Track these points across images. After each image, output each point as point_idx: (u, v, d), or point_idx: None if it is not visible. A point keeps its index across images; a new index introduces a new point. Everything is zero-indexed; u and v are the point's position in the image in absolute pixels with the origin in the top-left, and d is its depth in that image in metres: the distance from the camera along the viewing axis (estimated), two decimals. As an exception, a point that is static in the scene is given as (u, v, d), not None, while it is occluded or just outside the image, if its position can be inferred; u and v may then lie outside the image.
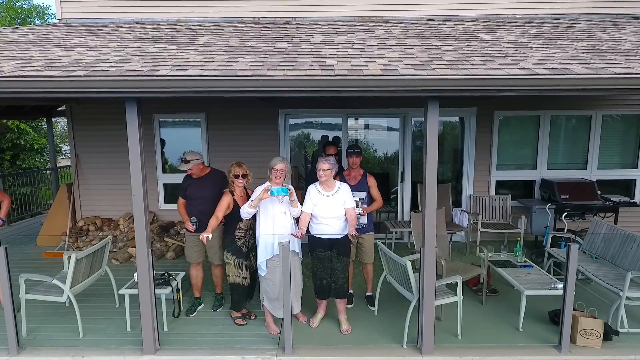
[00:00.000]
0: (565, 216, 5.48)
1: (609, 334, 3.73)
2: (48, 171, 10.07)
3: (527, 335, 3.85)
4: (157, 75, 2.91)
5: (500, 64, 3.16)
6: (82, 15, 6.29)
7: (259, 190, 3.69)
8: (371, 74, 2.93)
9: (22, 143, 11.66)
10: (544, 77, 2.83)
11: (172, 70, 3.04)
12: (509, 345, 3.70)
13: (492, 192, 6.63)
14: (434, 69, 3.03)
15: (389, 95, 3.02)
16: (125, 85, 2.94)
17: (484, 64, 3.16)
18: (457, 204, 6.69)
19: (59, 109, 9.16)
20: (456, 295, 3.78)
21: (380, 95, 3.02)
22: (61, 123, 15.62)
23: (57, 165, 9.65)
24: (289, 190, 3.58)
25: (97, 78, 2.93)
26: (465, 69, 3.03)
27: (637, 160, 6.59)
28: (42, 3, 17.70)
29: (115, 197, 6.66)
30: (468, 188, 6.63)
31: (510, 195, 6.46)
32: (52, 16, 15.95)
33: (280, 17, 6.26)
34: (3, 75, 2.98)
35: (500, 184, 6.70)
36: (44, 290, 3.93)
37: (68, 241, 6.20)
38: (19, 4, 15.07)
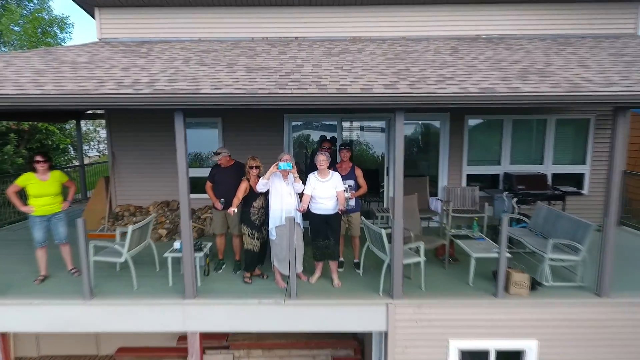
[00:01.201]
0: (517, 202, 6.67)
1: (535, 285, 4.92)
2: (75, 168, 11.25)
3: (475, 288, 5.04)
4: (201, 93, 4.10)
5: (447, 84, 4.34)
6: (118, 35, 7.48)
7: (272, 171, 4.86)
8: (353, 92, 4.11)
9: (50, 143, 12.84)
10: (473, 95, 4.02)
11: (211, 89, 4.23)
12: (459, 294, 4.89)
13: (464, 183, 7.82)
14: (398, 88, 4.22)
15: (366, 107, 4.21)
16: (178, 100, 4.13)
17: (436, 84, 4.35)
18: (434, 193, 7.87)
19: (87, 112, 10.38)
20: (421, 256, 4.97)
21: (360, 107, 4.21)
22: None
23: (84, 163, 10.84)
24: (293, 165, 4.77)
25: (158, 95, 4.12)
26: (421, 88, 4.22)
27: (585, 158, 7.78)
28: (62, 14, 18.86)
29: (145, 188, 7.85)
30: (443, 180, 7.83)
31: (478, 186, 7.64)
32: (71, 25, 17.13)
33: (285, 37, 7.45)
34: (90, 93, 4.17)
35: (470, 177, 7.89)
36: (107, 253, 5.12)
37: (107, 224, 7.39)
38: (40, 14, 16.24)
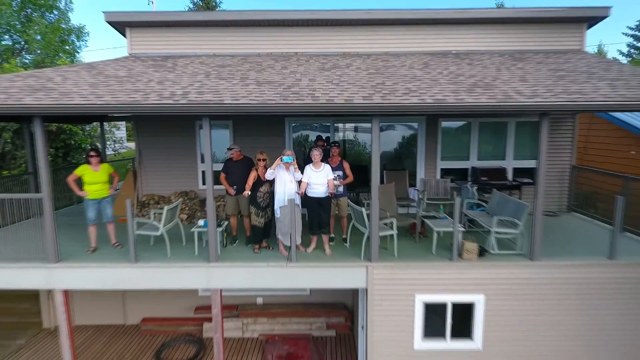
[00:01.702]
0: (479, 190, 8.01)
1: (483, 252, 6.26)
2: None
3: (437, 255, 6.37)
4: (225, 103, 5.43)
5: (411, 96, 5.67)
6: (145, 51, 8.81)
7: (277, 163, 6.18)
8: (339, 103, 5.45)
9: (72, 142, 14.12)
10: (428, 104, 5.36)
11: (231, 100, 5.55)
12: (424, 259, 6.22)
13: (438, 176, 9.16)
14: (373, 99, 5.55)
15: (349, 114, 5.54)
16: (207, 109, 5.45)
17: (402, 96, 5.68)
18: (413, 185, 9.21)
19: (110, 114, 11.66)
20: (393, 230, 6.31)
21: (345, 114, 5.54)
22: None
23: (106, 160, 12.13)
24: (293, 159, 6.10)
25: (192, 105, 5.45)
26: (390, 99, 5.55)
27: (540, 152, 9.10)
28: (79, 23, 20.15)
29: (167, 180, 9.17)
30: (421, 173, 9.16)
31: (450, 178, 8.98)
32: (87, 34, 18.41)
33: (286, 52, 8.78)
34: (140, 103, 5.49)
35: (444, 171, 9.23)
36: (147, 228, 6.45)
37: (135, 211, 8.71)
38: (59, 24, 17.53)
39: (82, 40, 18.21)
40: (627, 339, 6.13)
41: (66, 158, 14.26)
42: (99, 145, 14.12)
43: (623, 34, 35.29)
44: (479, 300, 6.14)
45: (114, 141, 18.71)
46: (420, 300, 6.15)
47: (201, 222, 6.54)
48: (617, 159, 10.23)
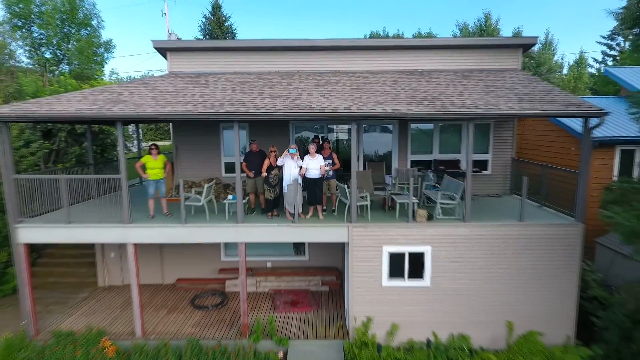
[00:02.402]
0: (437, 176, 10.52)
1: (431, 217, 8.77)
2: (134, 159, 15.03)
3: (399, 220, 8.87)
4: (250, 112, 7.94)
5: (377, 107, 8.18)
6: (182, 69, 11.32)
7: (285, 154, 8.69)
8: (327, 112, 7.95)
9: (109, 141, 16.62)
10: (388, 113, 7.87)
11: (254, 109, 8.07)
12: (389, 222, 8.73)
13: (409, 166, 11.67)
14: (351, 109, 8.06)
15: (335, 119, 8.04)
16: (238, 116, 7.97)
17: (372, 107, 8.18)
18: (389, 172, 11.71)
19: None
20: (367, 201, 8.82)
21: (332, 119, 8.05)
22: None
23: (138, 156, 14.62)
24: (296, 150, 8.61)
25: (228, 113, 7.96)
26: (363, 110, 8.05)
27: (488, 149, 11.63)
28: (109, 38, 22.63)
29: (197, 169, 11.68)
30: (394, 164, 11.67)
31: (417, 167, 11.48)
32: (114, 47, 20.91)
33: (290, 71, 11.30)
34: (192, 112, 8.00)
35: (414, 162, 11.73)
36: (192, 200, 8.97)
37: (173, 192, 11.21)
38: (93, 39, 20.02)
39: (109, 52, 20.72)
40: (530, 275, 8.63)
41: (103, 154, 16.76)
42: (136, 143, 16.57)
43: (597, 42, 37.92)
44: (427, 251, 8.64)
45: (140, 140, 21.21)
46: (387, 250, 8.65)
47: (230, 197, 9.06)
48: (563, 154, 12.61)
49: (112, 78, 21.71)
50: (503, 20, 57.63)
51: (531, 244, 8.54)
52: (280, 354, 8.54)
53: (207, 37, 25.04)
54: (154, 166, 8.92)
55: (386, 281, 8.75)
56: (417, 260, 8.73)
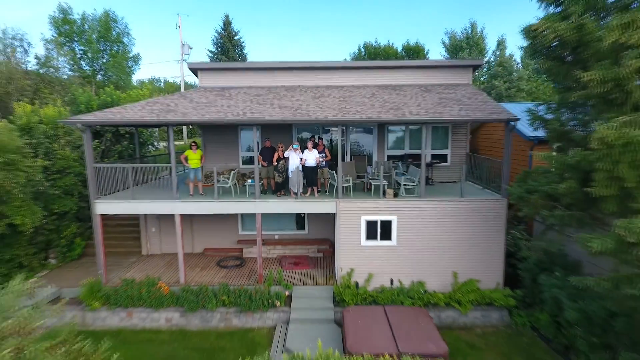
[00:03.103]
0: (406, 166, 13.63)
1: (396, 194, 11.88)
2: (163, 155, 18.16)
3: (374, 196, 11.98)
4: (265, 119, 11.06)
5: (356, 115, 11.28)
6: (209, 84, 14.44)
7: (290, 149, 11.81)
8: (320, 118, 11.06)
9: (141, 140, 19.73)
10: (363, 120, 10.99)
11: (268, 117, 11.18)
12: (366, 198, 11.84)
13: (385, 159, 14.77)
14: (337, 116, 11.16)
15: (326, 124, 11.14)
16: (257, 122, 11.08)
17: (352, 115, 11.28)
18: (370, 164, 14.80)
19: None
20: (350, 183, 11.93)
21: (324, 124, 11.15)
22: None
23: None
24: (298, 146, 11.74)
25: (250, 120, 11.07)
26: (345, 116, 11.16)
27: (447, 145, 14.74)
28: (138, 53, 25.74)
29: (220, 161, 14.79)
30: (374, 157, 14.78)
31: (392, 160, 14.57)
32: (141, 59, 24.05)
33: (293, 85, 14.41)
34: (224, 119, 11.11)
35: (390, 156, 14.83)
36: (222, 182, 12.09)
37: (202, 179, 14.33)
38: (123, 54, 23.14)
39: (137, 65, 23.87)
40: (469, 237, 11.71)
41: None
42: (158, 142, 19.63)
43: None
44: (394, 219, 11.73)
45: (164, 139, 24.36)
46: (364, 219, 11.75)
47: (249, 181, 12.17)
48: (515, 150, 15.58)
49: (143, 88, 24.89)
50: (488, 28, 61.01)
51: (469, 214, 11.63)
52: (287, 293, 11.65)
53: (220, 49, 28.16)
54: (193, 157, 12.03)
55: (364, 242, 11.85)
56: (386, 226, 11.82)
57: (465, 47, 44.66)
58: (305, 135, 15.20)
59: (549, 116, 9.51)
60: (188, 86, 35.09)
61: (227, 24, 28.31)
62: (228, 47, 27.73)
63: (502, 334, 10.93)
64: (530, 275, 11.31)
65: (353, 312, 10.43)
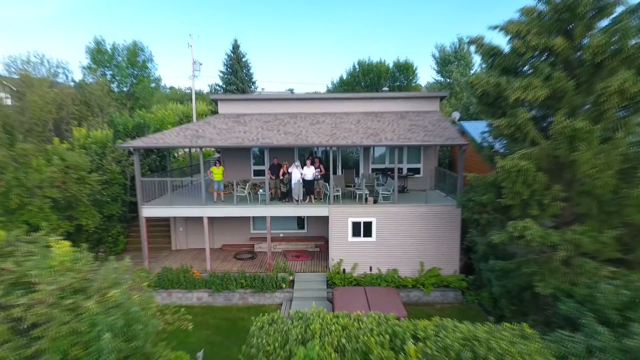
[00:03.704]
0: (386, 178, 16.73)
1: (376, 201, 14.98)
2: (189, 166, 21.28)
3: (358, 203, 15.08)
4: (274, 144, 14.17)
5: (343, 140, 14.38)
6: (227, 112, 17.57)
7: (293, 165, 14.92)
8: (316, 143, 14.17)
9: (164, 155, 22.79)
10: (348, 144, 14.10)
11: (276, 142, 14.29)
12: (353, 204, 14.94)
13: (370, 171, 17.86)
14: (329, 141, 14.27)
15: (321, 146, 14.25)
16: (267, 145, 14.20)
17: (340, 140, 14.38)
18: (357, 176, 17.89)
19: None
20: (339, 192, 15.04)
21: (319, 146, 14.26)
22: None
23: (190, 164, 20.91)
24: (299, 164, 14.87)
25: (262, 144, 14.19)
26: (336, 141, 14.27)
27: (420, 160, 17.84)
28: (159, 75, 28.82)
29: (236, 174, 17.89)
30: (362, 170, 17.88)
31: (375, 172, 17.66)
32: (161, 80, 27.14)
33: (294, 112, 17.53)
34: (242, 144, 14.24)
35: (374, 170, 17.93)
36: (239, 192, 15.20)
37: (222, 189, 17.43)
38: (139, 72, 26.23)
39: (159, 86, 26.99)
40: (433, 235, 14.79)
41: (161, 163, 22.98)
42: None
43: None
44: (374, 221, 14.81)
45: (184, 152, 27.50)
46: (350, 220, 14.84)
47: (261, 191, 15.28)
48: (480, 165, 18.68)
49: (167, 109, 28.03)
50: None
51: (432, 217, 14.72)
52: (290, 278, 14.74)
53: (229, 69, 31.31)
54: (217, 172, 15.14)
55: (350, 238, 14.94)
56: (368, 226, 14.91)
57: (453, 60, 47.96)
58: (307, 155, 18.28)
59: (485, 144, 12.62)
60: (198, 95, 38.27)
61: (235, 47, 31.47)
62: (237, 69, 30.87)
63: (455, 309, 14.02)
64: (478, 264, 14.39)
65: (341, 291, 13.51)
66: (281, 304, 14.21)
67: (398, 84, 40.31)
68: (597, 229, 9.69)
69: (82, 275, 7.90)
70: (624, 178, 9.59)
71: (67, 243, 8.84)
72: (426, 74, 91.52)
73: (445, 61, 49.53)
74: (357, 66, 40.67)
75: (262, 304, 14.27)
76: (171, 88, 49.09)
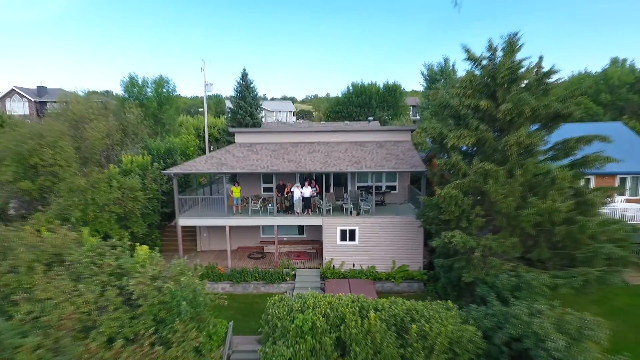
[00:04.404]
0: (368, 194, 20.74)
1: (359, 213, 18.97)
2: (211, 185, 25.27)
3: (345, 215, 19.07)
4: (280, 170, 18.18)
5: (332, 167, 18.39)
6: (243, 141, 21.59)
7: (294, 186, 18.93)
8: (312, 170, 18.18)
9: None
10: (336, 171, 18.12)
11: (282, 168, 18.31)
12: (340, 216, 18.93)
13: (356, 188, 21.85)
14: (323, 168, 18.28)
15: (317, 172, 18.26)
16: (275, 171, 18.22)
17: (331, 167, 18.40)
18: (345, 192, 21.86)
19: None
20: (330, 207, 19.04)
21: (315, 172, 18.28)
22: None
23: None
24: (299, 184, 18.89)
25: (272, 170, 18.21)
26: (327, 168, 18.27)
27: (396, 179, 21.85)
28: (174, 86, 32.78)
29: (249, 191, 21.89)
30: (349, 187, 21.86)
31: (360, 190, 21.64)
32: (181, 110, 31.15)
33: (296, 142, 21.55)
34: (257, 170, 18.26)
35: (359, 187, 21.92)
36: (253, 205, 19.23)
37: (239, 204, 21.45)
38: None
39: (180, 111, 31.05)
40: (402, 240, 18.75)
41: (186, 181, 26.95)
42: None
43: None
44: (357, 228, 18.79)
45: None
46: (339, 228, 18.81)
47: (270, 205, 19.28)
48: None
49: (189, 134, 32.10)
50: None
51: (402, 225, 18.68)
52: (293, 273, 18.71)
53: (239, 94, 35.35)
54: (235, 191, 19.11)
55: (339, 242, 18.91)
56: (352, 233, 18.87)
57: (439, 78, 52.09)
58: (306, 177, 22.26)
59: (437, 172, 16.61)
60: (209, 102, 42.29)
61: (244, 75, 35.54)
62: (245, 94, 34.90)
63: (418, 296, 17.93)
64: (437, 262, 18.35)
65: (331, 282, 17.46)
66: (285, 292, 18.16)
67: (387, 105, 44.43)
68: (506, 237, 13.69)
69: (159, 268, 11.94)
70: (523, 202, 13.60)
71: (146, 247, 12.93)
72: (418, 87, 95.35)
73: (433, 79, 53.77)
74: (350, 88, 44.81)
75: (272, 292, 18.21)
76: (182, 97, 53.14)
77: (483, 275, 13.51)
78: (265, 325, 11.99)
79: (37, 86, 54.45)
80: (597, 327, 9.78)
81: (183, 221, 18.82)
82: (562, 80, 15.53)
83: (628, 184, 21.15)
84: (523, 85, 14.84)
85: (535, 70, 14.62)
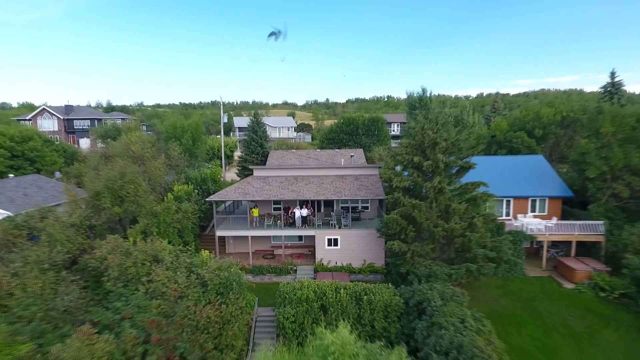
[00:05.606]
0: (346, 212, 28.11)
1: (341, 226, 26.32)
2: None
3: (331, 228, 26.42)
4: (286, 197, 25.54)
5: (322, 195, 25.73)
6: (259, 175, 28.98)
7: (295, 207, 26.28)
8: (308, 198, 25.53)
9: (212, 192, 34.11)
10: (323, 199, 25.49)
11: (288, 197, 25.66)
12: (328, 228, 26.30)
13: (340, 208, 29.19)
14: (316, 195, 25.63)
15: (313, 199, 25.61)
16: (283, 199, 25.59)
17: (322, 195, 25.74)
18: (332, 211, 29.21)
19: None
20: (320, 222, 26.41)
21: (312, 199, 25.64)
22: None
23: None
24: (299, 206, 26.27)
25: (281, 198, 25.57)
26: (318, 196, 25.64)
27: (369, 201, 29.20)
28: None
29: (263, 210, 29.25)
30: (335, 208, 29.24)
31: (342, 209, 28.97)
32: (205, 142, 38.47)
33: (297, 175, 28.93)
34: (271, 198, 25.62)
35: (343, 207, 29.27)
36: (266, 221, 26.60)
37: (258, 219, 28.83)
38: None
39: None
40: (370, 245, 26.05)
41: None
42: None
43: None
44: (339, 237, 26.09)
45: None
46: (326, 237, 26.13)
47: (279, 221, 26.64)
48: None
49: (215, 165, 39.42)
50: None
51: (370, 235, 25.96)
52: (295, 268, 26.05)
53: (251, 129, 42.81)
54: (255, 211, 26.44)
55: (326, 247, 26.22)
56: (336, 240, 26.18)
57: (417, 107, 59.56)
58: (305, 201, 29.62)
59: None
60: (228, 109, 49.77)
61: (255, 114, 43.12)
62: (257, 129, 42.42)
63: (379, 283, 25.25)
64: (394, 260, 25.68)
65: (320, 274, 24.75)
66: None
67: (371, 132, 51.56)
68: (427, 245, 21.05)
69: (216, 265, 19.33)
70: (437, 223, 20.91)
71: (207, 251, 20.45)
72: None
73: (412, 106, 61.38)
74: (342, 120, 52.17)
75: (281, 281, 25.42)
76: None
77: (413, 268, 20.85)
78: (278, 297, 19.36)
79: (65, 105, 62.06)
80: (461, 295, 17.12)
81: (219, 232, 26.16)
82: (471, 136, 23.01)
83: (537, 204, 28.57)
84: (443, 144, 22.27)
85: (450, 140, 22.08)
